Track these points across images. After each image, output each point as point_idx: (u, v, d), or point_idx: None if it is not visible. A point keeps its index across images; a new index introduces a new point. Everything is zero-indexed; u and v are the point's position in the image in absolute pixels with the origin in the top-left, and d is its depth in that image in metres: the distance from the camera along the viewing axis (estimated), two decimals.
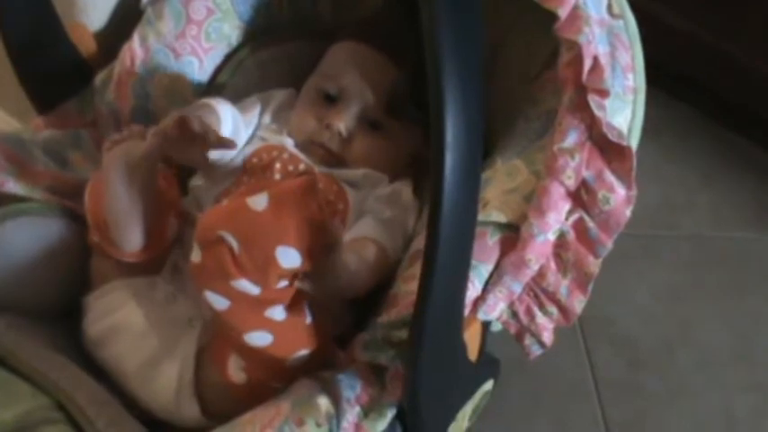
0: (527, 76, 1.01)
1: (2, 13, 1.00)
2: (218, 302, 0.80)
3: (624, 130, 0.89)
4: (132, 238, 0.93)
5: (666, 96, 1.66)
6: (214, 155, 0.99)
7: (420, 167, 1.10)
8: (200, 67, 1.13)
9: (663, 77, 1.52)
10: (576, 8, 0.81)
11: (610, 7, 0.93)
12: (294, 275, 0.80)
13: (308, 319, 0.84)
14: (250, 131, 1.08)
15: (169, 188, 1.00)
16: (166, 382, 0.91)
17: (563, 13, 0.80)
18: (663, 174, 1.61)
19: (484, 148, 1.03)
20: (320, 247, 0.78)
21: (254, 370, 0.87)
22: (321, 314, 0.86)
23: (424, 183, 1.06)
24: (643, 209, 1.53)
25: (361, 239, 0.96)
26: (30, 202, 0.99)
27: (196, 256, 0.79)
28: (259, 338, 0.83)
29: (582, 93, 0.83)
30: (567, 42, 0.82)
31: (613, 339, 1.36)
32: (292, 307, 0.82)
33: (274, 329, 0.83)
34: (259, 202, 0.76)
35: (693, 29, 1.61)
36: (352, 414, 0.81)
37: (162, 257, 0.98)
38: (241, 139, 1.05)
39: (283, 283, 0.79)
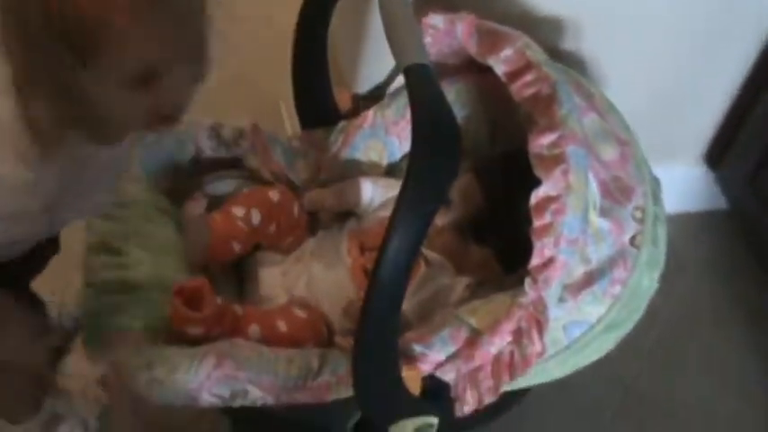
0: None
1: (297, 67, 1.59)
2: None
3: (593, 318, 1.31)
4: None
5: None
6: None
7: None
8: (399, 147, 1.62)
9: None
10: (552, 224, 1.23)
11: (633, 239, 1.33)
12: None
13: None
14: (390, 194, 1.56)
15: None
16: None
17: (537, 223, 1.23)
18: None
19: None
20: None
21: None
22: None
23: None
24: None
25: None
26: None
27: None
28: None
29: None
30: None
31: None
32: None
33: None
34: None
35: None
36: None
37: None
38: (375, 202, 1.57)
39: None
